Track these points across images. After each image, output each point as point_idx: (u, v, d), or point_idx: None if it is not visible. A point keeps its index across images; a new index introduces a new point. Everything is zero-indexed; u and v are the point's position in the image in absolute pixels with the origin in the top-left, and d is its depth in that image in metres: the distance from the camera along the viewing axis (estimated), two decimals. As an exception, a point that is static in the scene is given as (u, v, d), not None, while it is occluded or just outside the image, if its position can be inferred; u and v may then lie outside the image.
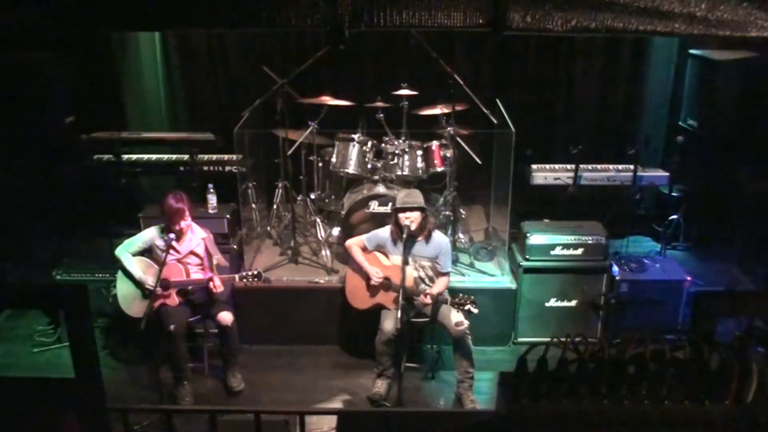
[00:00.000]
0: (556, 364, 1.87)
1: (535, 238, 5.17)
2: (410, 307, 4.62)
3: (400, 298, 4.24)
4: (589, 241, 5.14)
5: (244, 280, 4.59)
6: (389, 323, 4.45)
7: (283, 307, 5.26)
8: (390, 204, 5.16)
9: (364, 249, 4.71)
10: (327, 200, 5.96)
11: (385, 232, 4.66)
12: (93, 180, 6.00)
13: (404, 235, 4.46)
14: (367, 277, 4.65)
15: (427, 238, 4.59)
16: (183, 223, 4.52)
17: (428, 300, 4.42)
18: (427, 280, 4.67)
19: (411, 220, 4.45)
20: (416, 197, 4.51)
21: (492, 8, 2.16)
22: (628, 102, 6.58)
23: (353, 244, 4.74)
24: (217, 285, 4.54)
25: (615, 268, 5.21)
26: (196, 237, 4.68)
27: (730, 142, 5.99)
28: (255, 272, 4.60)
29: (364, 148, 5.52)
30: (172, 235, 4.49)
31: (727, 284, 5.72)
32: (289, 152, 5.55)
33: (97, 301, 5.07)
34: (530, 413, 1.83)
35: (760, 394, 1.82)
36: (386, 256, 4.67)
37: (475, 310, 4.32)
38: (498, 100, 5.68)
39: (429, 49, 5.29)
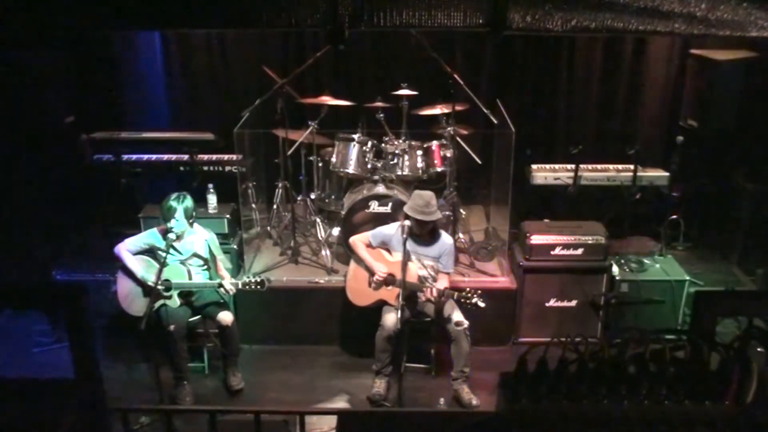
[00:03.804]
0: (556, 364, 1.87)
1: (535, 238, 5.17)
2: (412, 304, 4.62)
3: (401, 298, 4.24)
4: (589, 241, 5.14)
5: (247, 287, 4.58)
6: (391, 319, 4.45)
7: (283, 307, 5.26)
8: (390, 204, 5.18)
9: (369, 245, 4.71)
10: (327, 200, 5.95)
11: (390, 230, 4.66)
12: (93, 180, 5.99)
13: (404, 235, 4.45)
14: (370, 274, 4.64)
15: (434, 238, 4.59)
16: (173, 222, 4.50)
17: (433, 294, 4.41)
18: (431, 279, 4.67)
19: (421, 230, 4.46)
20: (432, 213, 4.49)
21: (492, 8, 2.16)
22: (628, 102, 6.57)
23: (358, 240, 4.75)
24: (229, 289, 4.53)
25: (615, 268, 5.20)
26: (198, 239, 4.67)
27: (730, 143, 5.99)
28: (258, 280, 4.59)
29: (364, 148, 5.52)
30: (172, 236, 4.49)
31: (727, 284, 5.72)
32: (289, 152, 5.54)
33: (97, 301, 5.07)
34: (530, 413, 1.83)
35: (760, 394, 1.82)
36: (390, 253, 4.67)
37: (482, 304, 4.32)
38: (498, 100, 5.68)
39: (429, 49, 5.29)
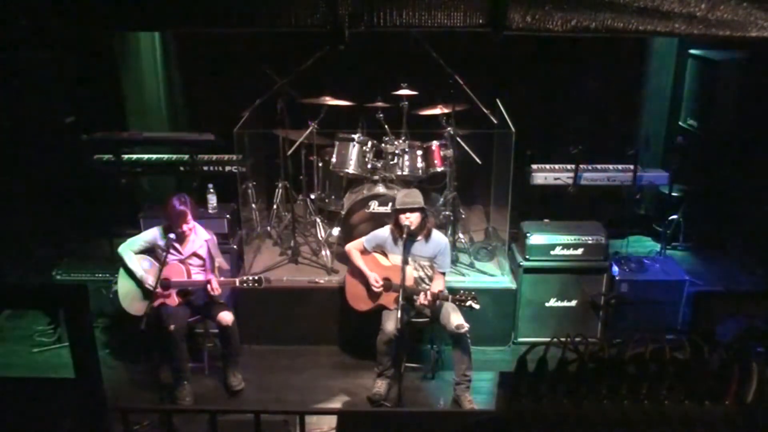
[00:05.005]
0: (556, 364, 1.87)
1: (535, 238, 5.17)
2: (411, 307, 4.62)
3: (400, 298, 4.24)
4: (589, 241, 5.14)
5: (245, 285, 4.58)
6: (390, 323, 4.45)
7: (283, 307, 5.26)
8: (390, 204, 5.17)
9: (364, 251, 4.70)
10: (327, 200, 5.96)
11: (384, 232, 4.67)
12: (93, 180, 5.99)
13: (404, 235, 4.47)
14: (367, 280, 4.64)
15: (427, 238, 4.59)
16: (185, 226, 4.50)
17: (428, 299, 4.42)
18: (426, 280, 4.67)
19: (410, 220, 4.45)
20: (416, 197, 4.51)
21: (492, 8, 2.16)
22: (628, 102, 6.57)
23: (352, 248, 4.74)
24: (215, 288, 4.52)
25: (615, 268, 5.21)
26: (199, 239, 4.67)
27: (730, 142, 5.99)
28: (256, 278, 4.59)
29: (364, 148, 5.52)
30: (172, 235, 4.49)
31: (727, 284, 5.72)
32: (289, 152, 5.55)
33: (97, 301, 5.07)
34: (530, 413, 1.83)
35: (760, 394, 1.82)
36: (386, 256, 4.67)
37: (477, 306, 4.33)
38: (498, 100, 5.68)
39: (429, 49, 5.29)
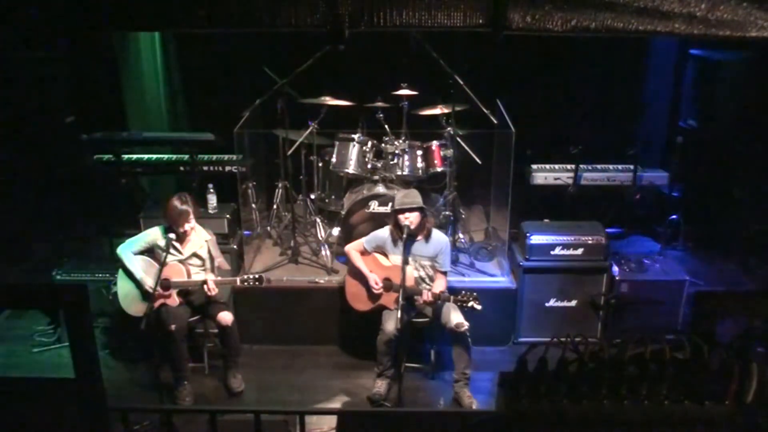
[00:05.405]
0: (556, 364, 1.87)
1: (535, 238, 5.17)
2: (411, 307, 4.62)
3: (401, 298, 4.24)
4: (589, 241, 5.14)
5: (245, 284, 4.58)
6: (390, 323, 4.45)
7: (283, 307, 5.26)
8: (390, 204, 5.17)
9: (364, 252, 4.71)
10: (327, 200, 5.96)
11: (384, 233, 4.67)
12: (93, 180, 5.99)
13: (404, 236, 4.47)
14: (367, 280, 4.65)
15: (427, 238, 4.60)
16: (187, 226, 4.49)
17: (429, 298, 4.42)
18: (427, 280, 4.67)
19: (410, 220, 4.46)
20: (414, 197, 4.52)
21: (492, 8, 2.16)
22: (628, 102, 6.57)
23: (352, 249, 4.74)
24: (211, 288, 4.52)
25: (615, 268, 5.21)
26: (199, 239, 4.66)
27: (730, 142, 5.99)
28: (256, 276, 4.60)
29: (364, 148, 5.52)
30: (172, 235, 4.48)
31: (727, 284, 5.72)
32: (289, 152, 5.55)
33: (97, 301, 5.07)
34: (530, 413, 1.83)
35: (760, 394, 1.82)
36: (386, 256, 4.67)
37: (479, 307, 4.34)
38: (498, 100, 5.68)
39: (429, 49, 5.29)
